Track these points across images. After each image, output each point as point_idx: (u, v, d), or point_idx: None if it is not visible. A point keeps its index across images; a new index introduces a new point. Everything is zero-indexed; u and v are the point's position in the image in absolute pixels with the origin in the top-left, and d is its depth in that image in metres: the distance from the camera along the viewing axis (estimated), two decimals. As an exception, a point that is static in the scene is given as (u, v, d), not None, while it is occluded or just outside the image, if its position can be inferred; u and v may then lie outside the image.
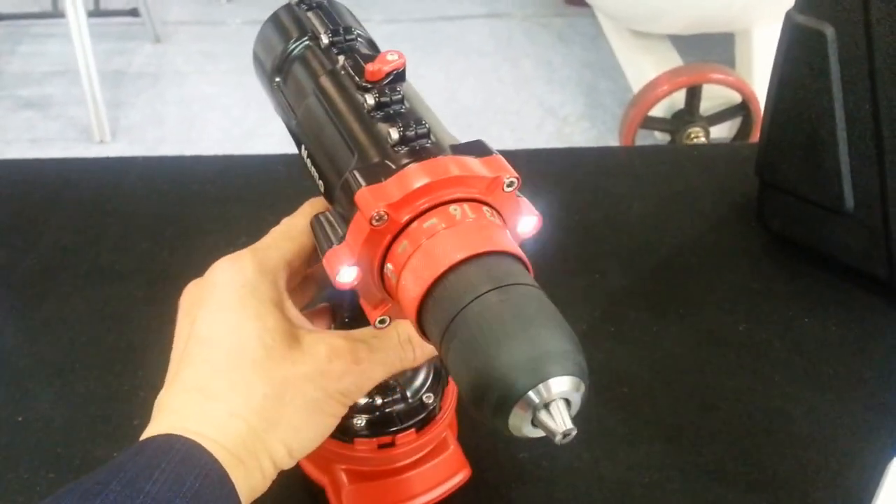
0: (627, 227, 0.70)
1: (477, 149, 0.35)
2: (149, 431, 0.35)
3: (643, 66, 1.98)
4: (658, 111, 1.85)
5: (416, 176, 0.33)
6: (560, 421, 0.29)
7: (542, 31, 2.50)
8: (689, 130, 1.85)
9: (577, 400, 0.30)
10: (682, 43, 2.04)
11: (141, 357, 0.57)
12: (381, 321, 0.37)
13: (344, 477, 0.47)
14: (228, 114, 2.01)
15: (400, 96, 0.37)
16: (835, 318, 0.62)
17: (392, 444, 0.45)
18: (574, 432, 0.29)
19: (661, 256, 0.67)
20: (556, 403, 0.29)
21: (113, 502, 0.31)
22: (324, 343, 0.38)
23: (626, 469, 0.52)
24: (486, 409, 0.30)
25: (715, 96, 1.85)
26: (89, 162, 0.78)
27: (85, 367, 0.57)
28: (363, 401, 0.45)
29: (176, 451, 0.33)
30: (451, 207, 0.33)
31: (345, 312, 0.44)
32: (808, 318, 0.62)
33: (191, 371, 0.37)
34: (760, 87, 1.83)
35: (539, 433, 0.30)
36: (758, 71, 1.88)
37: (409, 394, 0.46)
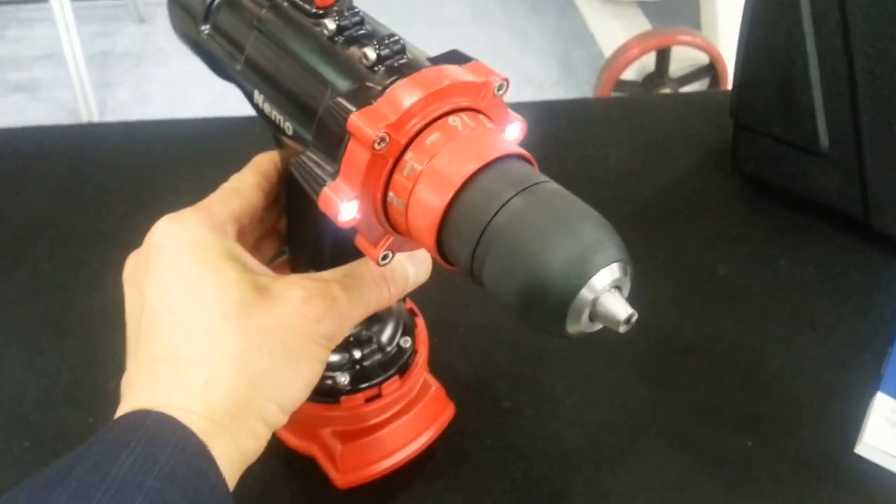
0: (604, 177, 0.66)
1: (456, 57, 0.32)
2: (118, 413, 0.31)
3: (613, 31, 1.94)
4: (629, 74, 1.82)
5: (407, 92, 0.29)
6: (621, 308, 0.27)
7: (515, 2, 2.44)
8: (660, 92, 1.81)
9: (627, 284, 0.28)
10: (651, 9, 2.00)
11: (116, 321, 0.51)
12: (384, 257, 0.33)
13: (334, 440, 0.43)
14: (212, 90, 1.94)
15: (360, 17, 0.33)
16: (811, 258, 0.59)
17: (379, 396, 0.42)
18: (636, 315, 0.27)
19: (638, 204, 0.63)
20: (612, 292, 0.27)
21: (76, 490, 0.26)
22: (296, 286, 0.34)
23: (609, 413, 0.49)
24: (541, 316, 0.27)
25: (683, 58, 1.82)
26: (64, 129, 0.73)
27: (58, 335, 0.53)
28: (341, 357, 0.41)
29: (146, 427, 0.29)
30: (451, 119, 0.30)
31: (308, 269, 0.40)
32: (784, 259, 0.59)
33: (154, 342, 0.32)
34: (726, 47, 1.80)
35: (597, 326, 0.28)
36: (723, 32, 1.85)
37: (384, 342, 0.42)
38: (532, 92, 2.08)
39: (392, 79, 0.30)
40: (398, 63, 0.31)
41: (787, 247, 0.60)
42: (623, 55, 1.78)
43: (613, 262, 0.27)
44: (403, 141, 0.30)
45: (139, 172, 0.66)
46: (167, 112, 1.96)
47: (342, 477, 0.42)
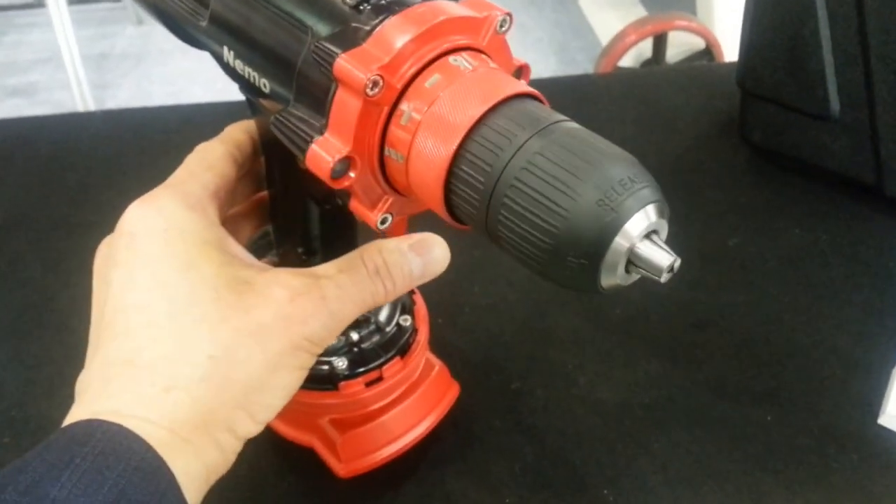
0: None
1: None
2: (66, 421, 0.27)
3: (610, 20, 1.91)
4: (627, 61, 1.79)
5: (399, 30, 0.26)
6: (661, 255, 0.24)
7: (512, -5, 2.42)
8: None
9: (665, 227, 0.25)
10: (646, -3, 1.98)
11: None
12: (383, 221, 0.29)
13: (333, 429, 0.40)
14: (212, 87, 1.93)
15: None
16: (824, 226, 0.56)
17: (380, 379, 0.39)
18: (679, 261, 0.24)
19: (645, 177, 0.60)
20: (649, 238, 0.24)
21: None
22: (279, 283, 0.29)
23: (624, 391, 0.46)
24: (570, 270, 0.24)
25: (679, 43, 1.79)
26: (46, 119, 0.70)
27: (39, 327, 0.50)
28: (337, 340, 0.38)
29: (96, 441, 0.25)
30: (451, 59, 0.26)
31: (296, 249, 0.36)
32: (797, 228, 0.56)
33: (114, 343, 0.28)
34: (721, 31, 1.77)
35: (634, 278, 0.25)
36: (718, 16, 1.82)
37: (383, 321, 0.39)
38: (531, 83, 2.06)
39: (380, 18, 0.27)
40: (386, 1, 0.28)
41: (799, 216, 0.57)
42: (620, 42, 1.75)
43: (648, 203, 0.24)
44: (399, 85, 0.26)
45: (124, 159, 0.63)
46: (166, 111, 1.94)
47: (344, 466, 0.39)
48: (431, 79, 0.26)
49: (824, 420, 0.44)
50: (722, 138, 0.63)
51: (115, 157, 0.63)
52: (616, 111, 0.67)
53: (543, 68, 2.11)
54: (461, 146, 0.25)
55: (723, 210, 0.58)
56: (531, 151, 0.24)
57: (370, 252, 0.31)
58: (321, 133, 0.27)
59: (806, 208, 0.58)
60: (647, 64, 1.80)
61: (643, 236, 0.24)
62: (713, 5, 1.83)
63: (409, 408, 0.41)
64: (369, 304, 0.31)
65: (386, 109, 0.27)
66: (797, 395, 0.46)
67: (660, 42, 1.77)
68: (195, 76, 1.98)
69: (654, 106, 0.67)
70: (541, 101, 0.27)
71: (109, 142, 0.65)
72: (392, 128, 0.27)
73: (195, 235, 0.30)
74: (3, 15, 2.30)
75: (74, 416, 0.27)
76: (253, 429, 0.29)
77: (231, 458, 0.29)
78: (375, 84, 0.26)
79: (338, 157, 0.26)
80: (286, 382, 0.30)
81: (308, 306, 0.29)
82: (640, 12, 1.93)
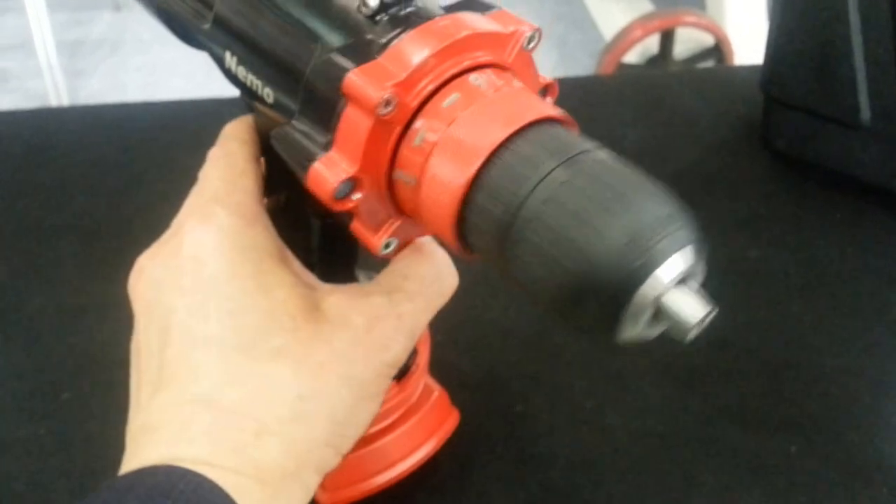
0: (624, 156, 0.62)
1: (475, 5, 0.27)
2: (130, 463, 0.25)
3: (615, 14, 1.91)
4: (632, 57, 1.78)
5: (417, 45, 0.25)
6: (694, 306, 0.22)
7: (511, -15, 2.41)
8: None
9: (700, 272, 0.23)
10: (652, -10, 1.97)
11: (72, 322, 0.48)
12: (387, 245, 0.28)
13: None
14: (192, 79, 1.90)
15: None
16: (850, 239, 0.55)
17: None
18: (713, 312, 0.22)
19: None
20: (683, 286, 0.22)
21: None
22: (356, 308, 0.28)
23: (634, 417, 0.45)
24: (588, 316, 0.23)
25: (687, 40, 1.79)
26: (19, 114, 0.68)
27: (6, 337, 0.48)
28: None
29: (179, 492, 0.23)
30: (472, 77, 0.25)
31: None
32: (822, 241, 0.55)
33: (184, 383, 0.26)
34: (732, 28, 1.77)
35: (659, 330, 0.23)
36: (729, 12, 1.81)
37: None
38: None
39: (397, 31, 0.26)
40: (405, 12, 0.26)
41: (824, 227, 0.56)
42: (626, 37, 1.74)
43: (686, 245, 0.22)
44: (414, 104, 0.25)
45: (102, 158, 0.61)
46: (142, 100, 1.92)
47: (329, 495, 0.38)
48: (450, 98, 0.25)
49: (851, 451, 0.43)
50: (742, 144, 0.62)
51: (94, 156, 0.61)
52: (630, 115, 0.66)
53: (545, 63, 2.08)
54: (480, 172, 0.24)
55: (743, 220, 0.57)
56: (557, 182, 0.23)
57: (414, 251, 0.30)
58: (326, 150, 0.26)
59: (831, 219, 0.57)
60: (653, 61, 1.80)
61: (674, 285, 0.22)
62: (723, 1, 1.83)
63: (404, 435, 0.39)
64: (439, 305, 0.31)
65: (398, 129, 0.25)
66: (822, 424, 0.44)
67: (667, 38, 1.76)
68: (174, 67, 1.96)
69: (669, 110, 0.67)
70: (569, 124, 0.26)
71: (88, 141, 0.63)
72: (403, 149, 0.26)
73: (261, 252, 0.29)
74: (-27, 0, 2.28)
75: (140, 459, 0.25)
76: (336, 462, 0.29)
77: (312, 494, 0.28)
78: (388, 103, 0.24)
79: (343, 176, 0.25)
80: (370, 411, 0.29)
81: (387, 331, 0.29)
82: (646, 6, 1.92)
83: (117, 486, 0.23)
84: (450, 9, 0.27)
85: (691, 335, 0.22)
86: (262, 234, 0.29)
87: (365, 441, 0.38)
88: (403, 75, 0.25)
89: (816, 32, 0.54)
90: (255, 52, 0.29)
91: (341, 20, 0.27)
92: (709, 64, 1.83)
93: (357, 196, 0.26)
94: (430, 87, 0.25)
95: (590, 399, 0.45)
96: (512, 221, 0.23)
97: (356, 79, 0.25)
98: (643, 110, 0.67)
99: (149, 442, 0.26)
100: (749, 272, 0.53)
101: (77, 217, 0.55)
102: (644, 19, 1.76)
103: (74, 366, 0.46)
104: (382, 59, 0.25)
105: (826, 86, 0.55)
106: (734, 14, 1.79)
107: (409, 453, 0.39)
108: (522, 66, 0.27)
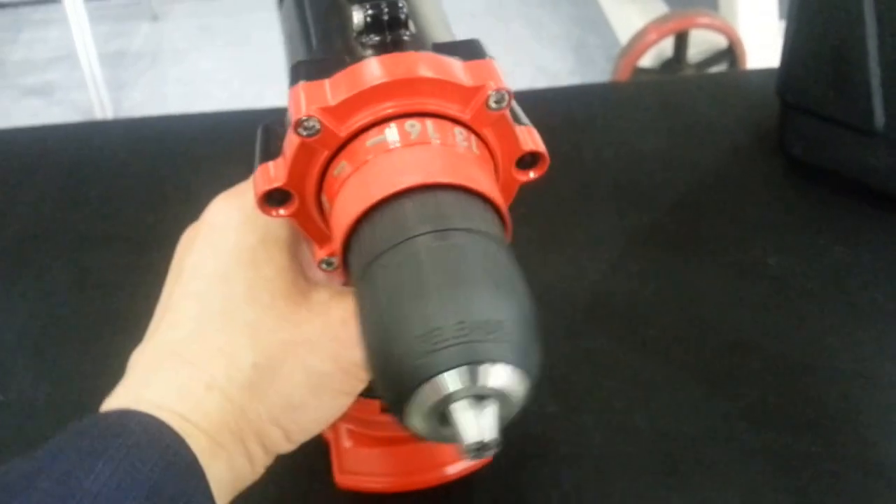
0: (641, 163, 0.61)
1: (466, 50, 0.25)
2: (108, 402, 0.27)
3: (630, 17, 1.88)
4: (647, 61, 1.76)
5: (367, 73, 0.24)
6: (469, 428, 0.19)
7: (529, -10, 2.40)
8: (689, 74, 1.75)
9: (516, 398, 0.20)
10: (667, -7, 1.95)
11: (126, 327, 0.48)
12: (327, 263, 0.27)
13: (346, 437, 0.38)
14: (228, 87, 1.92)
15: None
16: (867, 246, 0.54)
17: None
18: (494, 446, 0.19)
19: (680, 191, 0.58)
20: (473, 402, 0.19)
21: None
22: (339, 302, 0.28)
23: (662, 418, 0.45)
24: (383, 389, 0.21)
25: (700, 42, 1.76)
26: (67, 128, 0.70)
27: (67, 342, 0.49)
28: None
29: (130, 431, 0.24)
30: (409, 123, 0.23)
31: None
32: (839, 246, 0.54)
33: (170, 329, 0.28)
34: (745, 29, 1.74)
35: (452, 435, 0.20)
36: (741, 13, 1.78)
37: None
38: (547, 81, 2.04)
39: (368, 54, 0.25)
40: (392, 37, 0.25)
41: (841, 234, 0.55)
42: (641, 40, 1.72)
43: (499, 360, 0.19)
44: (343, 134, 0.24)
45: (148, 170, 0.62)
46: (182, 111, 1.93)
47: (341, 478, 0.38)
48: (376, 138, 0.24)
49: (869, 454, 0.43)
50: (760, 150, 0.61)
51: (140, 168, 0.62)
52: (647, 122, 0.65)
53: (562, 67, 2.08)
54: (365, 214, 0.23)
55: (761, 226, 0.56)
56: (414, 249, 0.21)
57: None
58: (274, 157, 0.26)
59: (848, 225, 0.56)
60: (668, 64, 1.77)
61: (464, 397, 0.19)
62: (736, 1, 1.80)
63: (426, 449, 0.39)
64: None
65: (326, 154, 0.24)
66: (843, 423, 0.44)
67: (681, 41, 1.74)
68: (211, 75, 1.95)
69: (687, 116, 0.66)
70: (493, 202, 0.23)
71: (133, 153, 0.64)
72: (330, 172, 0.25)
73: (269, 232, 0.29)
74: (20, 11, 2.30)
75: (118, 396, 0.27)
76: (285, 446, 0.29)
77: (259, 470, 0.28)
78: (308, 127, 0.23)
79: (269, 187, 0.25)
80: (328, 406, 0.29)
81: None
82: (661, 8, 1.89)
83: (74, 428, 0.25)
84: (441, 46, 0.26)
85: (470, 457, 0.19)
86: (278, 222, 0.30)
87: (383, 441, 0.38)
88: (335, 102, 0.23)
89: (831, 37, 0.53)
90: (287, 53, 0.30)
91: (336, 34, 0.27)
92: (722, 67, 1.80)
93: (283, 212, 0.26)
94: (364, 122, 0.24)
95: (618, 401, 0.45)
96: (366, 270, 0.22)
97: (294, 93, 0.24)
98: (660, 117, 0.66)
99: (125, 383, 0.28)
100: (768, 277, 0.52)
101: (127, 228, 0.56)
102: (658, 22, 1.73)
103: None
104: (333, 80, 0.24)
105: (840, 91, 0.54)
106: (746, 14, 1.77)
107: (424, 469, 0.39)
108: (490, 124, 0.25)
